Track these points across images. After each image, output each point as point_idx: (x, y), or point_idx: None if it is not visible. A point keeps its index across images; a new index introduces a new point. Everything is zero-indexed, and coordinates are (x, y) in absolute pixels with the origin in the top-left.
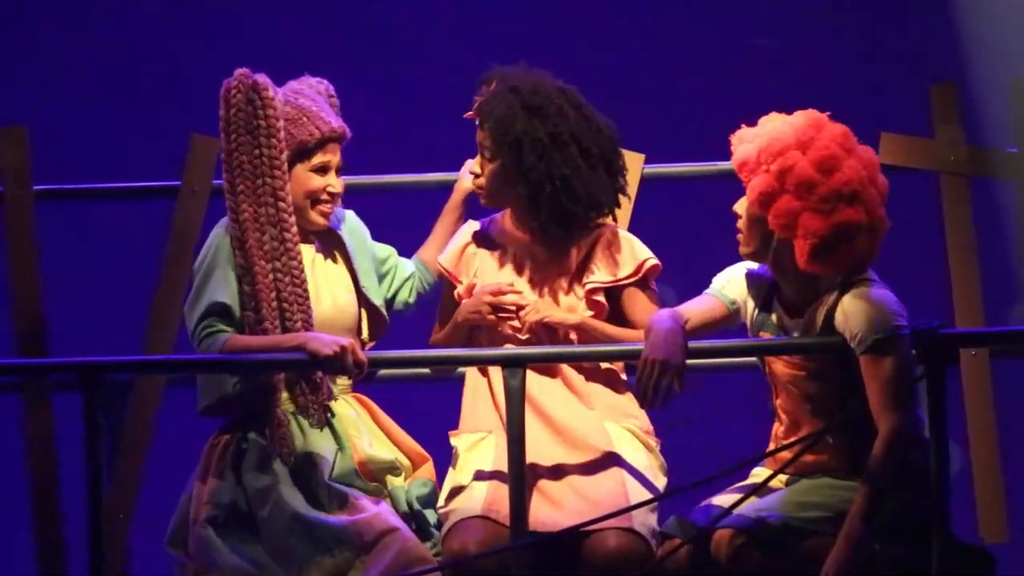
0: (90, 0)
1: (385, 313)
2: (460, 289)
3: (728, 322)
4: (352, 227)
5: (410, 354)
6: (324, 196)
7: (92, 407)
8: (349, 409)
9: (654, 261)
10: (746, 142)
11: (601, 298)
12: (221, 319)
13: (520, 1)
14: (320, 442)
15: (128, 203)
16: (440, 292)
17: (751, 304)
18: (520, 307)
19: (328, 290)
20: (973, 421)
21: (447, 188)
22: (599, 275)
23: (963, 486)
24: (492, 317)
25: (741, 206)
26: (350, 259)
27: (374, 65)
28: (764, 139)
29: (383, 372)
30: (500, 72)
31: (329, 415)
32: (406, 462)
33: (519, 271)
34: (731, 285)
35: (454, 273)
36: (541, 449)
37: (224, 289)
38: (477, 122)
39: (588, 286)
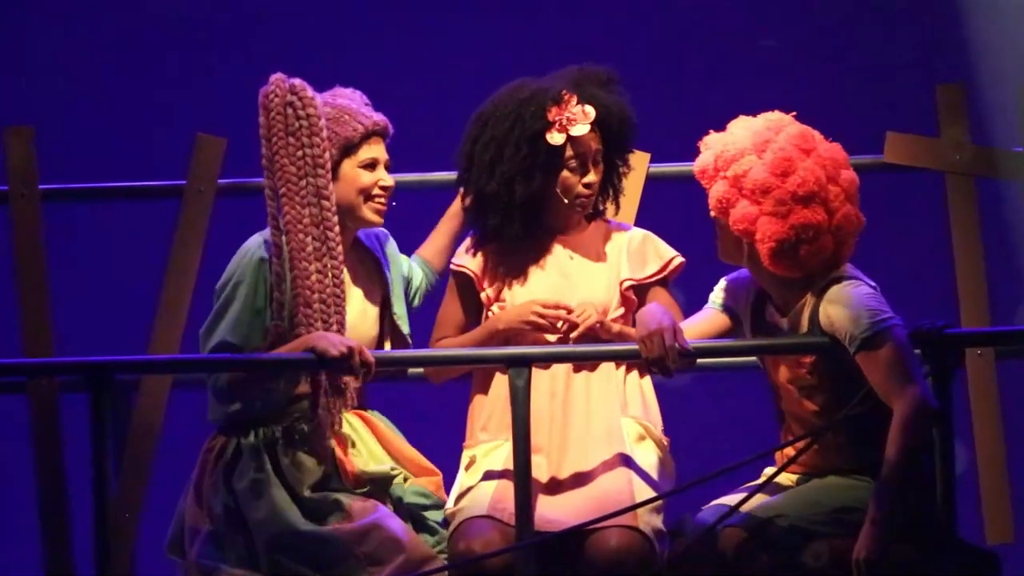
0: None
1: (409, 339)
2: (489, 291)
3: (733, 333)
4: (393, 252)
5: (415, 354)
6: (376, 191)
7: (99, 407)
8: (347, 428)
9: (680, 259)
10: (709, 148)
11: (633, 296)
12: None
13: (524, 2)
14: (309, 458)
15: (134, 203)
16: (430, 297)
17: (744, 307)
18: (571, 321)
19: (350, 311)
20: (979, 422)
21: (451, 187)
22: (632, 272)
23: (968, 487)
24: (542, 323)
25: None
26: (386, 284)
27: (377, 64)
28: (720, 145)
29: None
30: (558, 82)
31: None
32: (408, 475)
33: (556, 272)
34: (725, 293)
35: (480, 276)
36: (551, 448)
37: (235, 329)
38: (574, 135)
39: (625, 284)
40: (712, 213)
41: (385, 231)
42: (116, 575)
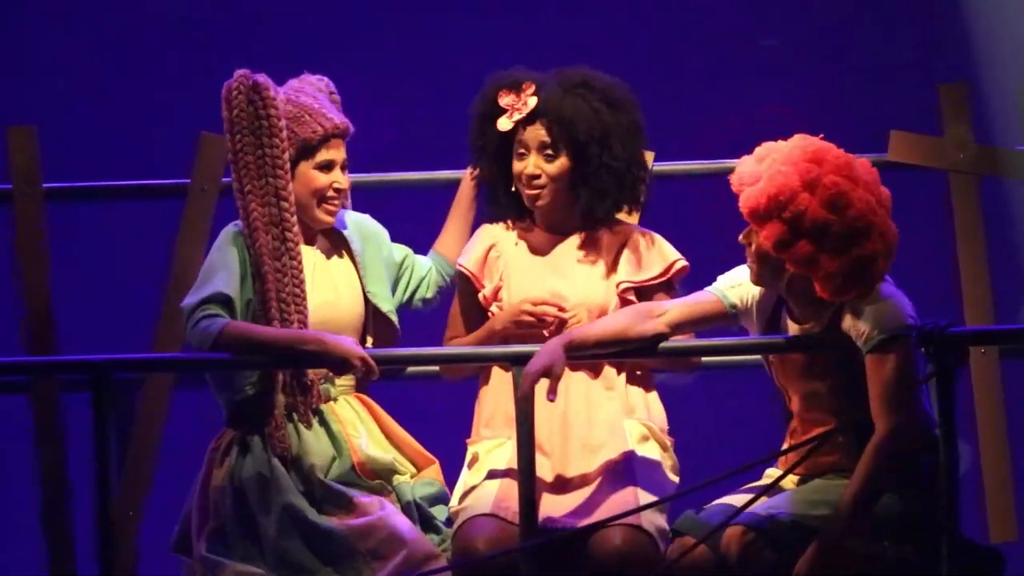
0: None
1: (395, 320)
2: (486, 291)
3: (723, 322)
4: (365, 232)
5: (417, 352)
6: (330, 193)
7: (101, 406)
8: (349, 410)
9: (683, 263)
10: (747, 183)
11: (632, 297)
12: (222, 307)
13: (524, 2)
14: (316, 445)
15: (137, 201)
16: (451, 294)
17: (758, 314)
18: (561, 319)
19: (330, 291)
20: (982, 420)
21: (456, 185)
22: (631, 275)
23: (972, 485)
24: (532, 321)
25: (747, 237)
26: (356, 264)
27: (377, 64)
28: (771, 187)
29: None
30: (532, 74)
31: (325, 416)
32: (408, 465)
33: (552, 273)
34: (736, 290)
35: (478, 276)
36: (555, 446)
37: (229, 283)
38: (523, 121)
39: (622, 286)
40: (761, 249)
41: (364, 214)
42: (118, 575)
